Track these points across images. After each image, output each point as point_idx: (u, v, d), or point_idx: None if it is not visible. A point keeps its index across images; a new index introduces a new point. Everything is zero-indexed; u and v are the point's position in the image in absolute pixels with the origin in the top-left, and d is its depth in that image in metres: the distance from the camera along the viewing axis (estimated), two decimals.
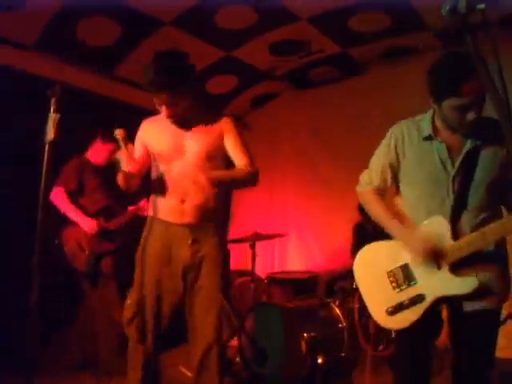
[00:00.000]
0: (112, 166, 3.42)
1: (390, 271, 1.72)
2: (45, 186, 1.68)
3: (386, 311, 1.69)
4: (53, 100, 1.68)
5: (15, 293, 2.80)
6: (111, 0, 2.95)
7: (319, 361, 2.78)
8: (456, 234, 1.59)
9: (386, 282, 1.72)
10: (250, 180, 2.23)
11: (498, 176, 1.58)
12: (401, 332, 1.73)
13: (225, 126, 2.11)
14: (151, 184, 2.12)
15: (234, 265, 5.12)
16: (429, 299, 1.63)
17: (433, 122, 1.65)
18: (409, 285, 1.68)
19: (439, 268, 1.62)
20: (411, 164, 1.70)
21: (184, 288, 2.07)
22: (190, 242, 2.03)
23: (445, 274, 1.61)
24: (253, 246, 3.69)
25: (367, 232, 3.92)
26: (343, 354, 2.99)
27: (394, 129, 1.77)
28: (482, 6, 0.84)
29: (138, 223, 3.45)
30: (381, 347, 2.73)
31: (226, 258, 2.18)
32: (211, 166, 2.03)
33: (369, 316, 1.88)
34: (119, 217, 3.32)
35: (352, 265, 1.86)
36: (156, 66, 1.87)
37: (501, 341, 3.27)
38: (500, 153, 1.56)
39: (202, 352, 2.06)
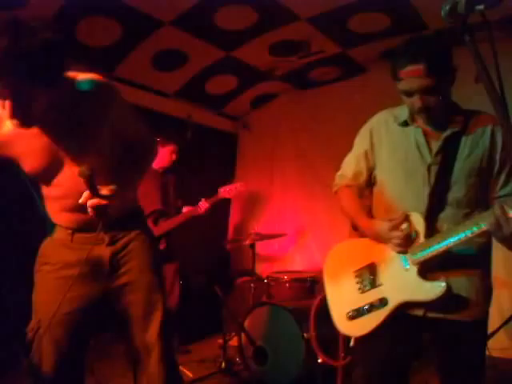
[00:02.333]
0: (171, 168, 3.63)
1: (357, 271, 1.59)
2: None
3: (347, 315, 1.56)
4: None
5: (15, 293, 2.80)
6: (111, 0, 2.95)
7: (319, 361, 2.78)
8: (431, 232, 1.43)
9: (352, 282, 1.59)
10: (152, 156, 1.77)
11: (479, 167, 1.44)
12: (362, 341, 1.58)
13: (103, 96, 1.57)
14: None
15: (234, 265, 5.14)
16: (391, 304, 1.47)
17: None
18: (373, 287, 1.53)
19: (407, 269, 1.46)
20: (385, 151, 1.59)
21: (98, 298, 1.64)
22: (106, 242, 1.63)
23: (411, 276, 1.44)
24: (253, 246, 3.70)
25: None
26: (343, 354, 2.98)
27: (372, 119, 1.70)
28: (481, 7, 0.84)
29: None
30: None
31: (157, 248, 1.78)
32: (101, 158, 1.51)
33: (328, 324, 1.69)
34: (168, 221, 3.45)
35: None
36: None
37: (502, 341, 3.28)
38: (482, 142, 1.45)
39: (140, 357, 1.63)
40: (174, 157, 3.66)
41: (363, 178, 1.67)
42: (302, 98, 4.91)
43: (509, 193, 1.44)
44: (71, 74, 1.49)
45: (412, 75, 1.38)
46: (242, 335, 3.11)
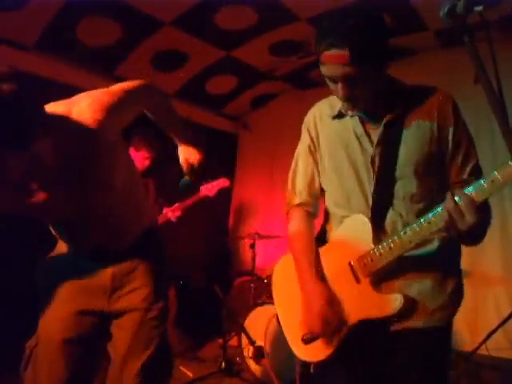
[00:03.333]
0: (146, 173, 3.52)
1: None
2: None
3: (301, 339, 1.32)
4: None
5: (15, 293, 2.80)
6: (111, 0, 2.95)
7: None
8: (380, 234, 1.25)
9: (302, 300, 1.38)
10: (161, 94, 1.61)
11: (428, 152, 1.24)
12: (320, 367, 1.35)
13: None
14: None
15: (234, 265, 5.14)
16: (347, 324, 1.26)
17: None
18: None
19: (358, 282, 1.27)
20: (324, 148, 1.40)
21: (95, 318, 1.48)
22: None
23: (364, 289, 1.25)
24: (253, 246, 3.70)
25: None
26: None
27: (306, 117, 1.50)
28: (480, 7, 0.84)
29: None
30: None
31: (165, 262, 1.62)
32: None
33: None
34: None
35: None
36: None
37: (502, 341, 3.28)
38: (429, 123, 1.25)
39: None
40: (147, 163, 3.46)
41: (317, 185, 1.47)
42: (302, 98, 4.90)
43: (468, 177, 1.24)
44: (55, 108, 1.25)
45: (335, 61, 1.15)
46: (242, 335, 3.11)
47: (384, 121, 1.27)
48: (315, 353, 1.33)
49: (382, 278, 1.25)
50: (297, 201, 1.51)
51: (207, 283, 3.60)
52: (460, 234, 1.07)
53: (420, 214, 1.22)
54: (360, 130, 1.31)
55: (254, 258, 3.69)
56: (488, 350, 3.08)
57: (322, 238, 1.49)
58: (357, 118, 1.32)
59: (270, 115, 5.15)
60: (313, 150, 1.45)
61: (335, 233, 1.40)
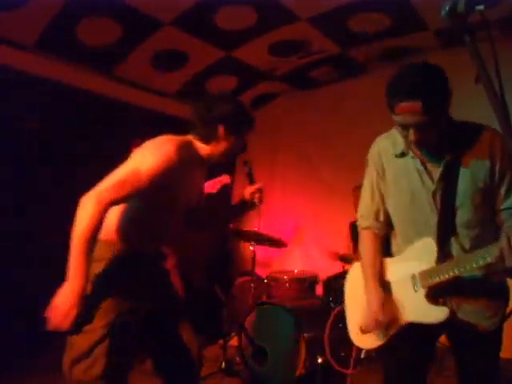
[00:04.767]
0: None
1: None
2: None
3: (360, 328, 1.65)
4: None
5: (16, 293, 2.80)
6: (111, 0, 2.95)
7: (319, 361, 2.78)
8: (444, 256, 1.48)
9: (365, 299, 1.66)
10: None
11: (484, 187, 1.44)
12: (385, 354, 1.66)
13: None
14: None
15: (234, 265, 5.14)
16: (399, 323, 1.54)
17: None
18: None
19: (416, 291, 1.52)
20: (390, 185, 1.62)
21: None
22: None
23: (419, 298, 1.50)
24: (253, 246, 3.70)
25: None
26: (343, 354, 2.99)
27: (371, 151, 1.70)
28: (481, 7, 0.84)
29: None
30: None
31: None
32: None
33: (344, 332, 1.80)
34: None
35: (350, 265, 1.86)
36: None
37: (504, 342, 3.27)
38: (485, 162, 1.44)
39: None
40: None
41: (383, 215, 1.67)
42: (301, 98, 4.91)
43: (510, 205, 1.45)
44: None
45: (408, 111, 1.34)
46: (242, 335, 3.11)
47: (444, 160, 1.47)
48: (369, 342, 1.63)
49: (435, 292, 1.48)
50: (365, 224, 1.73)
51: (207, 283, 3.60)
52: (505, 269, 1.30)
53: (475, 238, 1.47)
54: (421, 167, 1.51)
55: (253, 258, 3.69)
56: None
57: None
58: (418, 159, 1.51)
59: (270, 115, 5.15)
60: (378, 183, 1.66)
61: (406, 248, 1.61)
